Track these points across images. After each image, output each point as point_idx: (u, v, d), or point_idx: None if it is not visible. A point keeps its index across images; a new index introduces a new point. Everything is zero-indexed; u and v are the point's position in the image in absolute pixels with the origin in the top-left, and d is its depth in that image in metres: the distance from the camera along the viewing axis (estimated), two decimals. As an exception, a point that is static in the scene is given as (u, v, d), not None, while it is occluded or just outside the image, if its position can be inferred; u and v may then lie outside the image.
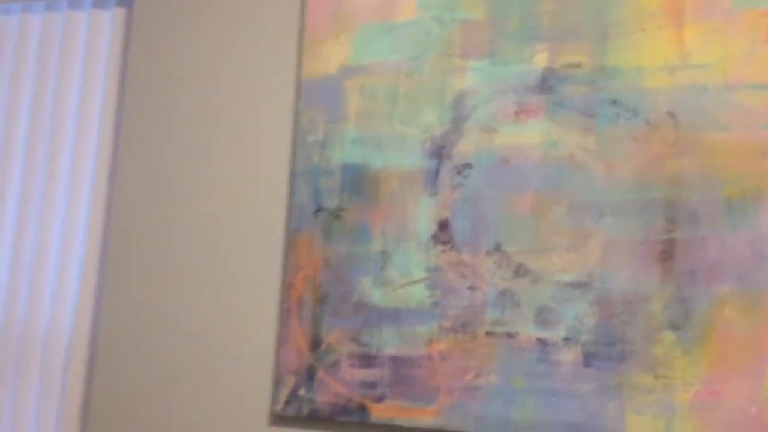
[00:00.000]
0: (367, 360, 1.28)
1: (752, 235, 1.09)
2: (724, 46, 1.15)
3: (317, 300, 1.32)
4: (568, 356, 1.17)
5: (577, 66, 1.23)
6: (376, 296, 1.29)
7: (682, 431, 1.08)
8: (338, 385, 1.28)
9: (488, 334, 1.22)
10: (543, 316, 1.19)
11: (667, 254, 1.13)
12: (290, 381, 1.31)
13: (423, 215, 1.29)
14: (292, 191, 1.37)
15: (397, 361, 1.26)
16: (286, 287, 1.34)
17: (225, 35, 1.47)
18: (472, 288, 1.24)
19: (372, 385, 1.26)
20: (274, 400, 1.32)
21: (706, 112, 1.15)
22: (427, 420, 1.22)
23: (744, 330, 1.08)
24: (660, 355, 1.11)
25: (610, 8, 1.22)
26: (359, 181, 1.33)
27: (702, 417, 1.08)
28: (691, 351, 1.10)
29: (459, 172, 1.28)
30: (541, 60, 1.25)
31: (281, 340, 1.33)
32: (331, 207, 1.34)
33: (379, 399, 1.25)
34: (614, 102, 1.20)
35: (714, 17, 1.16)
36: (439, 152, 1.30)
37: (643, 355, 1.12)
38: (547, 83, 1.24)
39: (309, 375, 1.30)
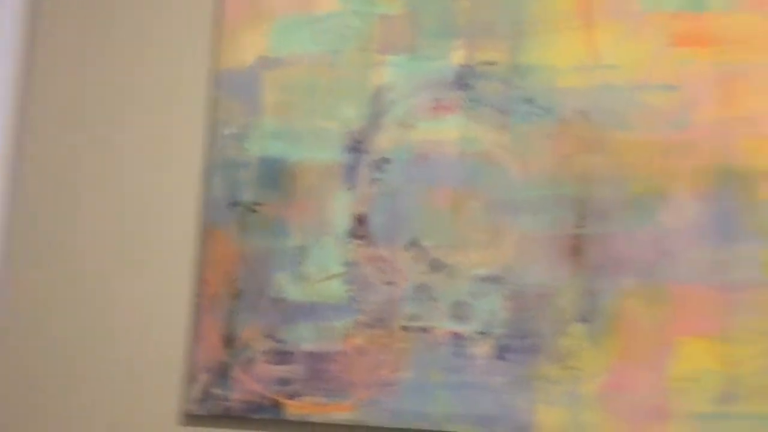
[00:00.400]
0: (283, 356, 1.26)
1: (656, 232, 1.13)
2: (632, 47, 1.19)
3: (232, 296, 1.29)
4: (482, 350, 1.18)
5: (493, 64, 1.25)
6: (293, 291, 1.27)
7: (588, 420, 1.11)
8: (253, 382, 1.26)
9: (404, 328, 1.22)
10: (458, 311, 1.20)
11: (577, 249, 1.16)
12: (203, 379, 1.27)
13: (340, 210, 1.28)
14: (207, 185, 1.34)
15: (313, 357, 1.25)
16: (200, 283, 1.31)
17: (138, 23, 1.42)
18: (389, 283, 1.24)
19: (287, 382, 1.25)
20: (185, 399, 1.28)
21: (615, 112, 1.18)
22: (342, 415, 1.21)
23: (647, 322, 1.11)
24: (569, 347, 1.14)
25: (525, 8, 1.25)
26: (276, 175, 1.31)
27: (607, 406, 1.11)
28: (598, 343, 1.13)
29: (377, 167, 1.28)
30: (458, 57, 1.26)
31: (194, 338, 1.29)
32: (248, 201, 1.31)
33: (294, 396, 1.24)
34: (529, 100, 1.22)
35: (624, 19, 1.20)
36: (358, 147, 1.29)
37: (553, 348, 1.15)
38: (463, 80, 1.26)
39: (223, 372, 1.27)
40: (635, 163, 1.16)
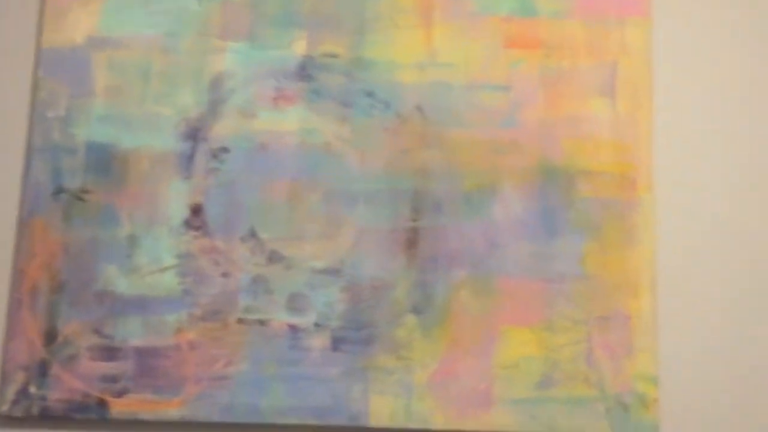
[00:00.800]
0: (110, 352, 1.19)
1: (486, 226, 1.18)
2: (467, 47, 1.23)
3: (54, 289, 1.21)
4: (318, 342, 1.18)
5: (335, 56, 1.25)
6: (122, 284, 1.21)
7: (418, 408, 1.14)
8: (75, 380, 1.18)
9: (240, 321, 1.20)
10: (295, 303, 1.20)
11: (411, 242, 1.19)
12: (19, 378, 1.18)
13: (175, 199, 1.23)
14: (27, 170, 1.24)
15: (142, 353, 1.19)
16: (18, 275, 1.21)
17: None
18: (224, 275, 1.21)
19: (114, 379, 1.18)
20: (0, 400, 1.19)
21: (450, 109, 1.22)
22: (171, 412, 1.17)
23: (476, 313, 1.16)
24: (402, 337, 1.16)
25: (367, 2, 1.26)
26: (106, 162, 1.24)
27: (437, 394, 1.14)
28: (430, 333, 1.16)
29: (215, 156, 1.24)
30: (300, 47, 1.25)
31: (10, 334, 1.20)
32: (73, 188, 1.23)
33: (121, 393, 1.18)
34: (369, 94, 1.23)
35: (460, 20, 1.24)
36: (195, 135, 1.25)
37: (387, 338, 1.16)
38: (305, 71, 1.25)
39: (41, 371, 1.19)
40: (468, 160, 1.20)
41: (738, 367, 1.13)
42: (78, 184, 1.24)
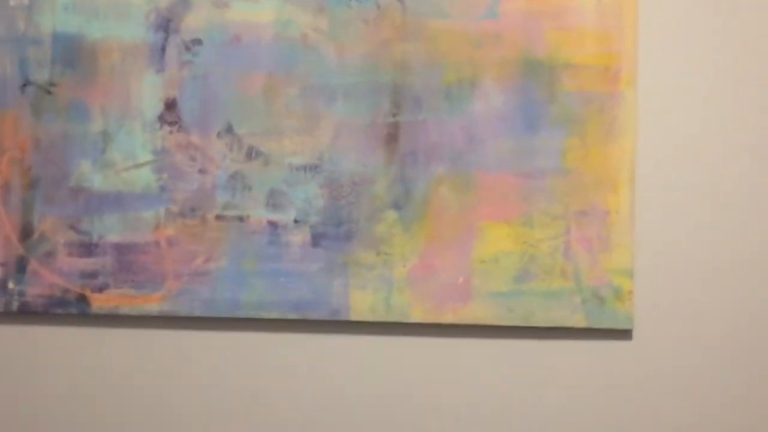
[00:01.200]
0: (87, 248, 1.19)
1: (466, 121, 1.16)
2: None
3: (27, 185, 1.19)
4: (298, 238, 1.18)
5: (312, -58, 1.19)
6: (97, 180, 1.19)
7: (397, 302, 1.16)
8: (54, 276, 1.18)
9: (218, 218, 1.19)
10: (274, 199, 1.19)
11: (391, 137, 1.17)
12: (-4, 274, 1.18)
13: (148, 93, 1.20)
14: (-8, 62, 1.20)
15: (120, 249, 1.19)
16: (-11, 171, 1.19)
17: None
18: (201, 171, 1.19)
19: (93, 275, 1.18)
20: (-22, 297, 1.18)
21: (431, 0, 1.17)
22: (152, 307, 1.18)
23: (456, 208, 1.16)
24: (382, 233, 1.16)
25: None
26: (74, 53, 1.20)
27: (416, 288, 1.16)
28: (410, 229, 1.16)
29: (188, 48, 1.20)
30: (274, -68, 1.19)
31: (-16, 230, 1.19)
32: (41, 81, 1.19)
33: (101, 288, 1.18)
34: (347, -17, 1.19)
35: None
36: (166, 25, 1.20)
37: (367, 234, 1.17)
38: (281, -42, 1.19)
39: (19, 267, 1.18)
40: (448, 52, 1.17)
41: (713, 261, 1.15)
42: (45, 77, 1.19)
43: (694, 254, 1.15)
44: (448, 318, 1.15)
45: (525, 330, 1.15)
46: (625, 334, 1.14)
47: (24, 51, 1.19)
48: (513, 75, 1.16)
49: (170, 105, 1.20)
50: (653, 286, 1.15)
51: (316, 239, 1.18)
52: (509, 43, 1.16)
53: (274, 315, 1.17)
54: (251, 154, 1.19)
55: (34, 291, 1.18)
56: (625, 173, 1.14)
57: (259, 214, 1.19)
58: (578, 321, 1.14)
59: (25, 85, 1.19)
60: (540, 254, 1.14)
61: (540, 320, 1.14)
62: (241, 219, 1.19)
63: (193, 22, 1.20)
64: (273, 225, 1.18)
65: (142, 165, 1.19)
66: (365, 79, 1.17)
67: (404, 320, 1.16)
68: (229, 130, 1.19)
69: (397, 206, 1.17)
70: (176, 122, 1.20)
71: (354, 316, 1.17)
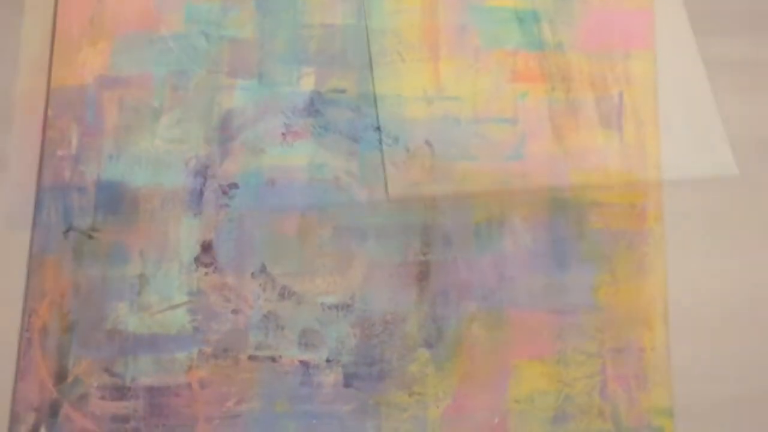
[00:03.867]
0: (120, 391, 1.19)
1: (496, 258, 1.18)
2: (473, 82, 1.24)
3: (64, 329, 1.21)
4: (330, 378, 1.17)
5: (343, 91, 1.26)
6: (133, 323, 1.21)
7: (432, 445, 1.13)
8: (86, 420, 1.18)
9: (251, 358, 1.19)
10: (306, 339, 1.19)
11: (422, 275, 1.19)
12: (30, 418, 1.18)
13: (186, 236, 1.23)
14: (37, 210, 1.25)
15: (153, 392, 1.18)
16: (28, 315, 1.21)
17: (-38, 33, 1.31)
18: (235, 311, 1.21)
19: (124, 419, 1.18)
20: (10, 442, 1.18)
21: (458, 143, 1.22)
22: (183, 452, 1.16)
23: (488, 346, 1.15)
24: (415, 372, 1.15)
25: (373, 38, 1.27)
26: (117, 200, 1.25)
27: (451, 430, 1.13)
28: (442, 368, 1.15)
29: (224, 192, 1.25)
30: (308, 83, 1.26)
31: (20, 374, 1.19)
32: (84, 227, 1.24)
33: (132, 432, 1.17)
34: (377, 128, 1.24)
35: (466, 54, 1.25)
36: (204, 171, 1.25)
37: (399, 374, 1.16)
38: (314, 106, 1.26)
39: (52, 411, 1.18)
40: (477, 193, 1.20)
41: (751, 396, 1.12)
42: (88, 223, 1.24)
43: (733, 390, 1.12)
44: (484, 461, 1.12)
45: (565, 473, 1.12)
46: (669, 477, 1.10)
47: (69, 198, 1.25)
48: (541, 213, 1.18)
49: (206, 247, 1.23)
50: (693, 425, 1.11)
51: (348, 379, 1.17)
52: (535, 183, 1.19)
53: (305, 459, 1.15)
54: (284, 293, 1.21)
55: (66, 436, 1.17)
56: (658, 309, 1.13)
57: (292, 354, 1.19)
58: (620, 464, 1.10)
59: (68, 230, 1.24)
60: (576, 394, 1.12)
61: (580, 463, 1.10)
62: (273, 359, 1.19)
63: (230, 167, 1.25)
64: (305, 365, 1.18)
65: (177, 306, 1.21)
66: (395, 220, 1.20)
67: (439, 463, 1.13)
68: (263, 270, 1.22)
69: (429, 345, 1.17)
70: (212, 263, 1.22)
71: (388, 460, 1.14)
